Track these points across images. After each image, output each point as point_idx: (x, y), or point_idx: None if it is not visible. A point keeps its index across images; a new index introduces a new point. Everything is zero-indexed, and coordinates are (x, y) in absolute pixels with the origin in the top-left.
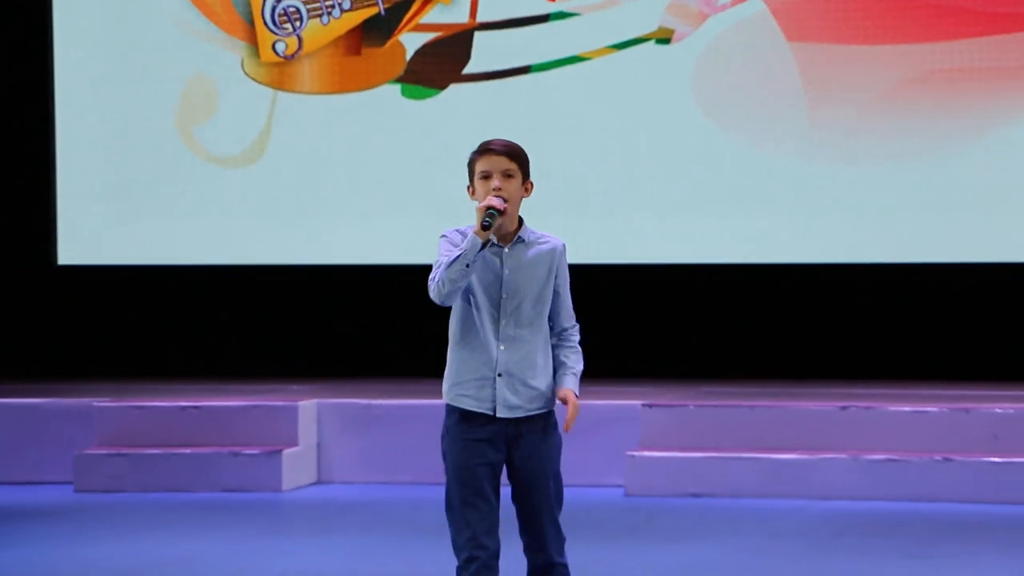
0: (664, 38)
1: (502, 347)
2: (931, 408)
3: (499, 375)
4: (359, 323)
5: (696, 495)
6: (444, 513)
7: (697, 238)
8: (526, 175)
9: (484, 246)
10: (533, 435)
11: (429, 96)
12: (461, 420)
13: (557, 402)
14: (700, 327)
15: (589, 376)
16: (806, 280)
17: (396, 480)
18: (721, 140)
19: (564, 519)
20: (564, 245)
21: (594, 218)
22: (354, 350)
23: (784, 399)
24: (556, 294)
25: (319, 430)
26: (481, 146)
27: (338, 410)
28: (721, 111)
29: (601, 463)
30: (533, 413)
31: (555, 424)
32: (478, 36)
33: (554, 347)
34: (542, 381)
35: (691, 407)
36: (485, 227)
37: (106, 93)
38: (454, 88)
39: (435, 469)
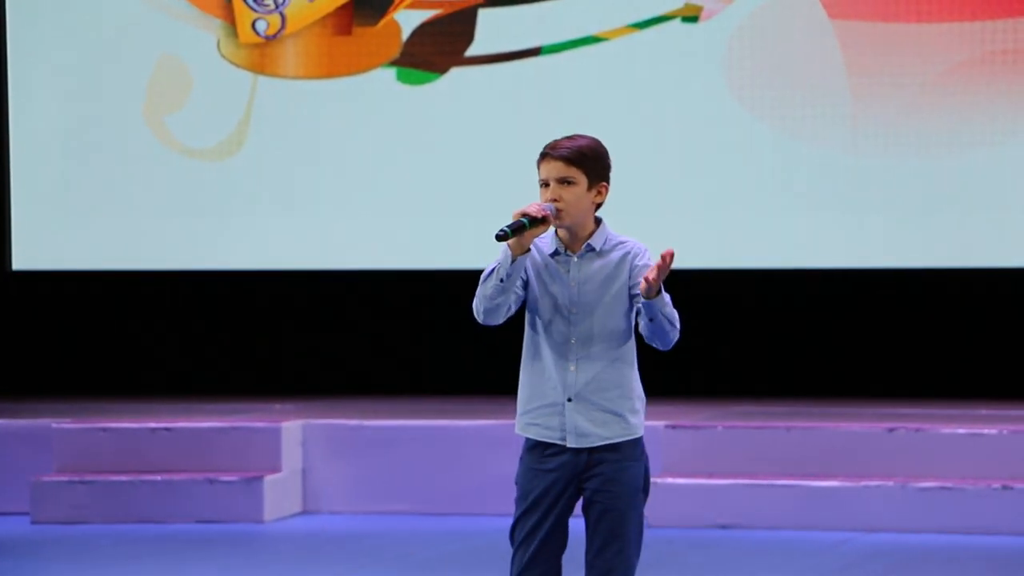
0: (692, 16)
1: (572, 368)
2: (989, 430)
3: (569, 400)
4: (349, 335)
5: (725, 526)
6: (444, 547)
7: (726, 239)
8: (596, 178)
9: (516, 258)
10: (609, 466)
11: (428, 81)
12: (533, 448)
13: (643, 430)
14: (729, 339)
15: None
16: (849, 287)
17: (390, 510)
18: (755, 130)
19: (576, 553)
20: (644, 248)
21: (611, 217)
22: (344, 366)
23: (824, 420)
24: (636, 296)
25: (304, 454)
26: (543, 149)
27: (326, 432)
28: (755, 97)
29: None
30: (612, 441)
31: (641, 455)
32: (482, 13)
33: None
34: (622, 404)
35: (719, 428)
36: (499, 236)
37: (65, 78)
38: (456, 72)
39: (433, 498)
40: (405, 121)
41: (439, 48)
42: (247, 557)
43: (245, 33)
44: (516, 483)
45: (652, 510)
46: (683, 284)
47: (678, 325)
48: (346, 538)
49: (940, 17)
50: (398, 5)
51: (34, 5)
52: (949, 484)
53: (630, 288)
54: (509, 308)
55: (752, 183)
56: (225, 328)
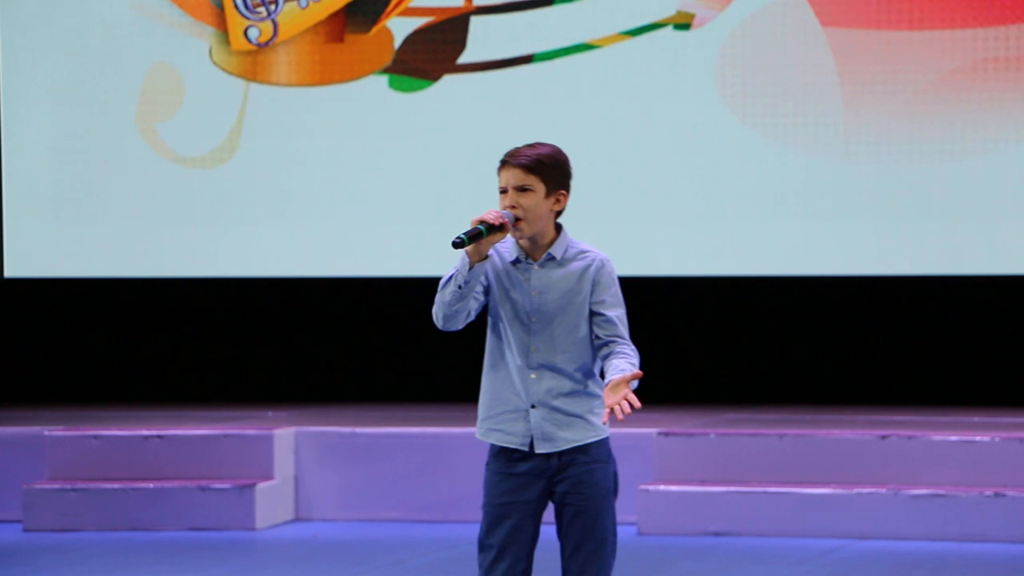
0: (684, 23)
1: (533, 376)
2: (981, 437)
3: (532, 406)
4: (341, 343)
5: (718, 534)
6: (436, 554)
7: (717, 247)
8: (555, 186)
9: (475, 265)
10: (578, 468)
11: (420, 88)
12: (499, 453)
13: (609, 432)
14: (721, 347)
15: None
16: (842, 294)
17: (382, 517)
18: (747, 137)
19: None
20: (605, 259)
21: (602, 225)
22: (336, 373)
23: (816, 427)
24: (598, 316)
25: (297, 462)
26: (503, 156)
27: (318, 439)
28: (747, 105)
29: None
30: (579, 444)
31: (609, 457)
32: (475, 21)
33: (604, 360)
34: (582, 407)
35: (712, 436)
36: (456, 244)
37: (57, 85)
38: (448, 79)
39: (426, 505)
40: (397, 128)
41: (431, 55)
42: (239, 565)
43: (237, 40)
44: (483, 490)
45: (644, 517)
46: (674, 291)
47: (637, 361)
48: (338, 546)
49: (932, 25)
50: (390, 13)
51: (26, 12)
52: (941, 491)
53: (591, 303)
54: (469, 314)
55: (744, 190)
56: (217, 336)
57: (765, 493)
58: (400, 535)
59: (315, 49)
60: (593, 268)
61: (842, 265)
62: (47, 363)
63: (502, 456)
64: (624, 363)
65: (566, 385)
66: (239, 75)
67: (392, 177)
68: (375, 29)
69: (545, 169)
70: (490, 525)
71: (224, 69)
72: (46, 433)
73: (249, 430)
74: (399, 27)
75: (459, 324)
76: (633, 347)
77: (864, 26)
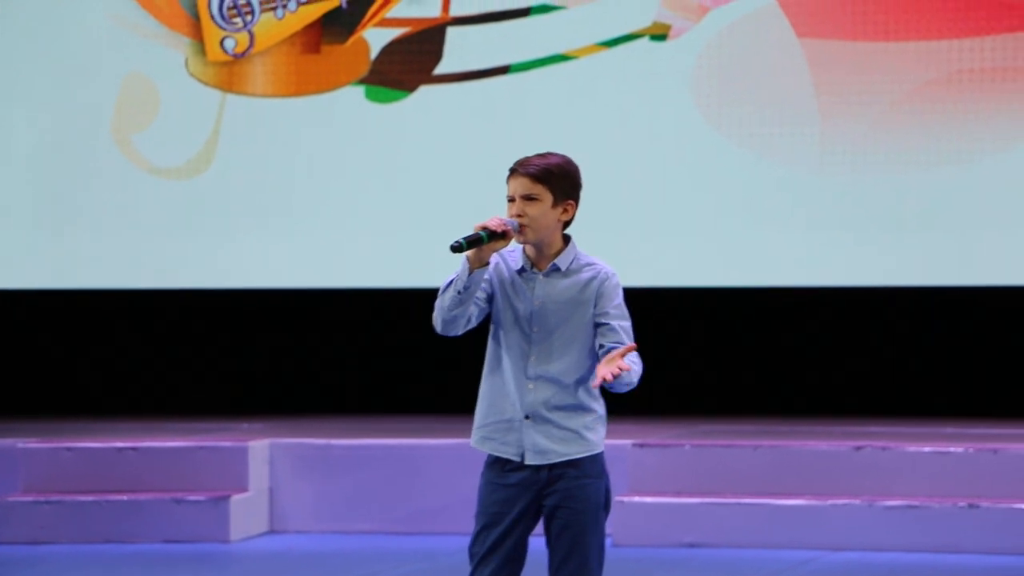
0: (660, 34)
1: (531, 386)
2: (955, 448)
3: (527, 417)
4: (317, 354)
5: (692, 545)
6: (411, 566)
7: (693, 258)
8: (563, 196)
9: (474, 271)
10: (569, 482)
11: (396, 99)
12: (494, 463)
13: (603, 447)
14: (697, 358)
15: None
16: (816, 305)
17: (357, 530)
18: (723, 148)
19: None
20: (611, 273)
21: (579, 235)
22: (311, 384)
23: (791, 438)
24: (602, 326)
25: (271, 473)
26: (514, 164)
27: (293, 451)
28: (723, 115)
29: None
30: (571, 458)
31: (602, 473)
32: (451, 32)
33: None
34: (578, 422)
35: (687, 447)
36: (454, 248)
37: (31, 96)
38: (424, 90)
39: (401, 517)
40: (374, 139)
41: (408, 66)
42: None
43: (213, 51)
44: (478, 497)
45: (619, 528)
46: (651, 302)
47: (635, 379)
48: (313, 558)
49: (908, 36)
50: (367, 23)
51: (1, 23)
52: (916, 502)
53: (595, 314)
54: (469, 320)
55: (720, 201)
56: (191, 347)
57: (740, 504)
58: (375, 547)
59: (291, 60)
60: (598, 280)
61: (817, 276)
62: (21, 375)
63: (496, 466)
64: (620, 354)
65: (562, 397)
66: (215, 86)
67: (368, 188)
68: (351, 40)
69: (553, 179)
70: (480, 533)
71: (200, 80)
72: (19, 445)
73: (224, 442)
74: (375, 38)
75: (459, 329)
76: (637, 355)
77: (840, 37)
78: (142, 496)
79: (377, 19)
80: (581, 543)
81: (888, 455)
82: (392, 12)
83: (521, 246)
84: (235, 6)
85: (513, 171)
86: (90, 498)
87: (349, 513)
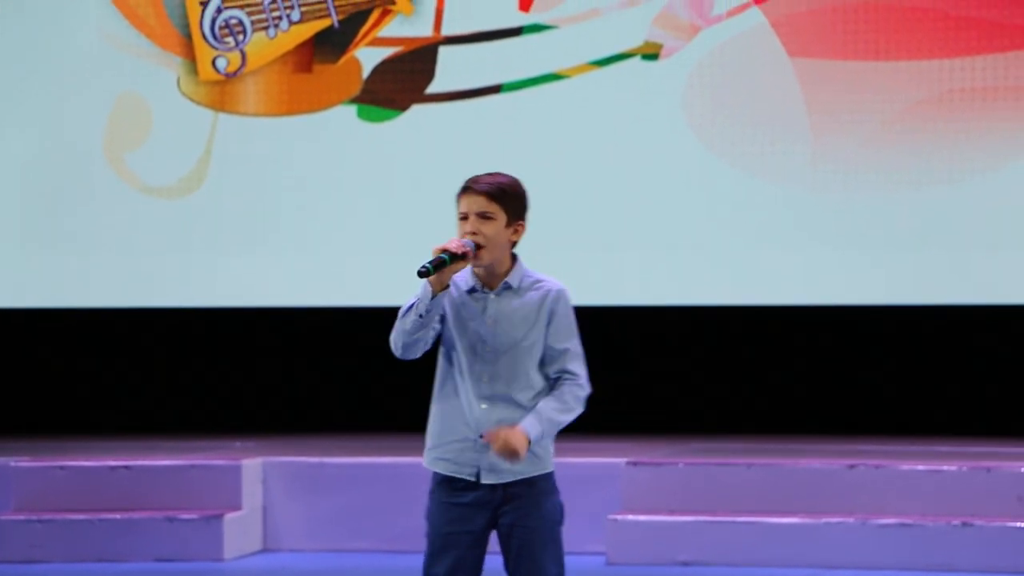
0: (652, 54)
1: (483, 406)
2: (948, 467)
3: (481, 437)
4: (310, 373)
5: (686, 563)
6: None
7: (686, 277)
8: (514, 216)
9: (436, 294)
10: (524, 500)
11: (388, 118)
12: (443, 483)
13: (554, 466)
14: (689, 376)
15: (565, 430)
16: (809, 324)
17: (351, 548)
18: (715, 167)
19: None
20: (562, 290)
21: (569, 253)
22: (304, 402)
23: (784, 456)
24: (550, 347)
25: (265, 492)
26: (464, 183)
27: (286, 469)
28: (715, 134)
29: (580, 528)
30: (524, 476)
31: (554, 489)
32: (443, 51)
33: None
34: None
35: (680, 465)
36: (421, 273)
37: (23, 114)
38: (416, 109)
39: (396, 535)
40: (366, 158)
41: (400, 85)
42: None
43: (205, 70)
44: (426, 519)
45: (613, 547)
46: (642, 320)
47: (571, 415)
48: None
49: (899, 55)
50: (359, 43)
51: None
52: (909, 521)
53: (546, 334)
54: (427, 343)
55: (712, 220)
56: (184, 365)
57: (733, 523)
58: (369, 565)
59: (283, 79)
60: (550, 299)
61: (809, 294)
62: (12, 394)
63: (446, 485)
64: (549, 408)
65: (517, 416)
66: (207, 105)
67: (360, 207)
68: (343, 59)
69: (507, 198)
70: (434, 555)
71: (192, 99)
72: (12, 464)
73: (217, 460)
74: (367, 57)
75: (417, 353)
76: (581, 384)
77: (831, 56)
78: (135, 515)
79: (369, 38)
80: (540, 561)
81: (882, 473)
82: (384, 31)
83: (472, 266)
84: (227, 25)
85: (466, 188)
86: (83, 517)
87: (343, 531)
